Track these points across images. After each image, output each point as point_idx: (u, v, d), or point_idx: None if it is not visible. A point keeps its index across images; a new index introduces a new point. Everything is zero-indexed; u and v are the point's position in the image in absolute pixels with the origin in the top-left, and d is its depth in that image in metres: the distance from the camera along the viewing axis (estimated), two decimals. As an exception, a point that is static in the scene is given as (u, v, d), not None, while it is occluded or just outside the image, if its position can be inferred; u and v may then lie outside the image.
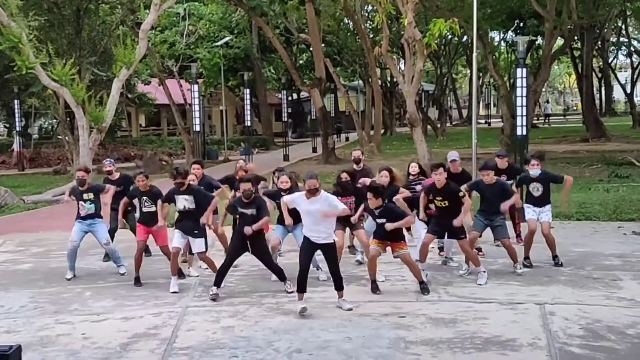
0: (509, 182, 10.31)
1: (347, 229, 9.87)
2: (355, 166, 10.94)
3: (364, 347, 6.89)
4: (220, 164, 29.87)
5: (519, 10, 31.94)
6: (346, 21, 38.91)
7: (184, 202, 9.42)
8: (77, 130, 22.12)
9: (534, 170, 10.03)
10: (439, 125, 44.80)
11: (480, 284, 9.06)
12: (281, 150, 32.20)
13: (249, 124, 32.50)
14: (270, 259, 9.17)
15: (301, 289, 8.15)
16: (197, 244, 9.52)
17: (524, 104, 14.26)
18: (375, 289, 8.86)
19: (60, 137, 32.30)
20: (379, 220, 8.62)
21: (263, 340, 7.19)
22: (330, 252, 8.24)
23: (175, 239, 9.53)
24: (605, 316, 7.60)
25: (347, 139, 43.25)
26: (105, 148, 33.02)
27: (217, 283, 8.87)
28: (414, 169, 10.72)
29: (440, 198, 9.21)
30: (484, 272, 9.23)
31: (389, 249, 8.77)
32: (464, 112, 61.31)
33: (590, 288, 8.82)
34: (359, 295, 8.71)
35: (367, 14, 37.60)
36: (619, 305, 8.08)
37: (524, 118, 14.28)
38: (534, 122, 42.65)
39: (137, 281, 9.81)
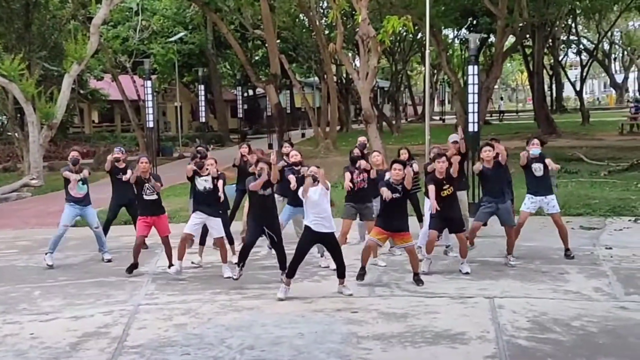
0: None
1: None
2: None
3: (316, 343, 6.92)
4: (175, 161, 29.61)
5: (472, 8, 32.30)
6: (301, 17, 38.85)
7: (204, 183, 9.59)
8: (27, 126, 21.70)
9: (534, 149, 10.05)
10: (394, 122, 45.10)
11: (467, 272, 9.38)
12: (236, 147, 32.04)
13: (204, 120, 32.26)
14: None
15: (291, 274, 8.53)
16: (216, 228, 9.65)
17: (476, 100, 14.46)
18: (361, 276, 9.01)
19: (9, 133, 31.62)
20: (395, 195, 8.74)
21: (215, 337, 7.17)
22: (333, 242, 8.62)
23: (191, 225, 9.59)
24: (552, 309, 7.78)
25: (303, 135, 43.30)
26: (57, 145, 32.42)
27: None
28: (404, 155, 10.82)
29: (447, 186, 9.38)
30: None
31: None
32: (419, 109, 61.82)
33: (538, 281, 9.02)
34: (311, 291, 8.75)
35: (322, 11, 37.64)
36: (565, 298, 8.28)
37: (476, 115, 14.49)
38: (487, 118, 43.20)
39: (134, 267, 9.82)
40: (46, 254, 10.58)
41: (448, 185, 9.36)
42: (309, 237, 8.51)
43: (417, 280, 8.98)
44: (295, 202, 9.84)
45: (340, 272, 8.64)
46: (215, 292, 8.89)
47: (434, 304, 8.10)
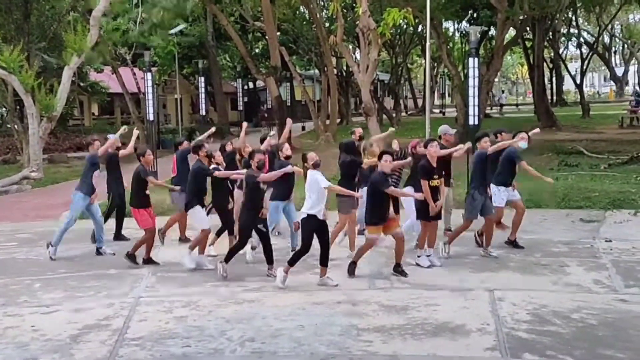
0: None
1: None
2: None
3: (316, 335, 6.93)
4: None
5: (473, 0, 32.24)
6: (302, 10, 38.76)
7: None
8: (26, 118, 21.66)
9: (524, 142, 10.11)
10: (394, 115, 45.03)
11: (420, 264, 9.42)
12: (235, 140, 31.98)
13: (204, 112, 32.21)
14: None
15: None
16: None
17: (476, 93, 14.44)
18: (352, 271, 9.01)
19: (9, 125, 31.56)
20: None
21: (216, 329, 7.18)
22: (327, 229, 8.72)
23: (206, 219, 9.74)
24: (552, 301, 7.80)
25: (303, 128, 43.23)
26: (57, 137, 32.38)
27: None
28: (395, 146, 10.89)
29: (437, 176, 9.41)
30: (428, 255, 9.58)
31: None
32: (419, 102, 61.74)
33: (538, 274, 9.04)
34: (312, 283, 8.76)
35: (322, 3, 37.54)
36: (565, 291, 8.29)
37: (476, 108, 14.47)
38: (488, 111, 43.15)
39: (151, 261, 9.90)
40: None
41: (437, 176, 9.39)
42: (314, 226, 8.52)
43: (401, 272, 9.01)
44: (279, 197, 10.05)
45: (326, 261, 8.68)
46: (216, 284, 8.90)
47: (434, 297, 8.11)
